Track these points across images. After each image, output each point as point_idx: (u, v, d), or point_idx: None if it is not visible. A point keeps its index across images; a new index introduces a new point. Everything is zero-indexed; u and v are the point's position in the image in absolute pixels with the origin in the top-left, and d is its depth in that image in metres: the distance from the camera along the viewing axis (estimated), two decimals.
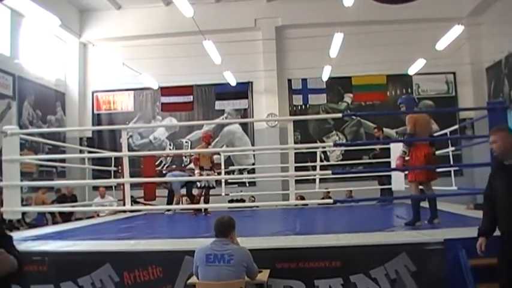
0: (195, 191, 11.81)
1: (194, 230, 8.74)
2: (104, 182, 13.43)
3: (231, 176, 16.03)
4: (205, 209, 11.25)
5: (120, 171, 11.88)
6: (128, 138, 16.89)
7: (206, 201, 11.37)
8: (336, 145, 15.20)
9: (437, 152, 10.01)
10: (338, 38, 14.13)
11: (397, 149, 8.10)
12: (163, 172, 17.19)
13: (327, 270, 5.59)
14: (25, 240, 6.90)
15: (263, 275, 5.14)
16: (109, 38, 17.69)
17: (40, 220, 12.86)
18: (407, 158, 7.40)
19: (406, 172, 7.95)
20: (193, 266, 4.88)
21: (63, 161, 13.94)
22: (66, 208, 12.20)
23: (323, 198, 13.74)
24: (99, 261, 5.82)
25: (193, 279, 5.00)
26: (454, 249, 5.49)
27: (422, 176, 7.35)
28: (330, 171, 9.10)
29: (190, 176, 12.95)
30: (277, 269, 5.51)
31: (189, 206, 11.72)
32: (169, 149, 17.88)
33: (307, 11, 16.89)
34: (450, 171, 11.08)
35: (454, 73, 17.29)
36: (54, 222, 12.83)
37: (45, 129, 15.11)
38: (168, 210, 11.92)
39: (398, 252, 5.57)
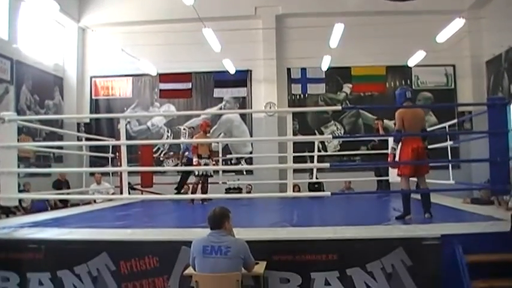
0: (192, 179, 11.82)
1: (191, 220, 8.74)
2: (102, 170, 13.37)
3: (230, 167, 16.00)
4: (202, 198, 11.23)
5: (117, 157, 11.85)
6: (126, 125, 16.86)
7: (204, 190, 11.37)
8: (334, 137, 15.16)
9: (435, 146, 10.07)
10: (338, 29, 14.05)
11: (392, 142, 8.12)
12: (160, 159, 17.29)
13: (323, 263, 5.61)
14: (21, 227, 6.92)
15: (260, 267, 5.15)
16: (108, 23, 17.53)
17: (39, 206, 12.78)
18: (397, 153, 7.40)
19: None
20: (190, 257, 4.90)
21: (60, 146, 13.91)
22: (63, 196, 12.22)
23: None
24: (96, 250, 5.84)
25: (189, 270, 5.02)
26: (451, 245, 5.50)
27: (409, 170, 7.35)
28: (328, 164, 9.09)
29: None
30: (273, 261, 5.53)
31: (189, 196, 11.64)
32: (167, 135, 17.81)
33: (307, 0, 16.81)
34: (448, 164, 11.10)
35: (453, 66, 17.21)
36: (54, 208, 12.80)
37: (43, 116, 15.01)
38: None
39: (395, 246, 5.59)
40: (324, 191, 13.21)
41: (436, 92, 17.08)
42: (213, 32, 14.32)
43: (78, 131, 17.11)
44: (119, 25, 17.43)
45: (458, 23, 13.41)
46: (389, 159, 7.58)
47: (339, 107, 14.10)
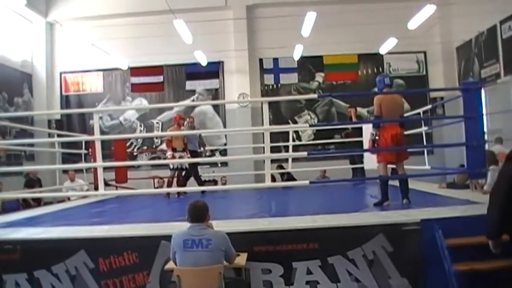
0: (167, 173, 11.73)
1: (168, 213, 8.66)
2: (76, 167, 13.18)
3: (206, 159, 15.87)
4: (178, 191, 11.17)
5: (90, 153, 11.70)
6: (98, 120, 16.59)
7: (179, 183, 11.30)
8: (311, 126, 15.14)
9: (409, 132, 10.12)
10: (311, 17, 14.00)
11: (368, 129, 8.12)
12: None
13: (304, 252, 5.60)
14: None
15: (241, 259, 5.12)
16: (77, 18, 17.24)
17: (12, 206, 12.53)
18: (376, 139, 7.41)
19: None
20: (171, 251, 4.83)
21: (32, 144, 13.65)
22: (37, 194, 12.01)
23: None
24: (73, 248, 5.74)
25: (170, 265, 4.95)
26: (431, 229, 5.53)
27: (390, 157, 7.39)
28: (305, 153, 9.04)
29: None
30: (254, 252, 5.51)
31: (165, 189, 11.56)
32: (140, 130, 17.62)
33: None
34: (423, 150, 11.18)
35: (424, 52, 17.31)
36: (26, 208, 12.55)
37: (12, 114, 14.77)
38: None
39: (375, 233, 5.60)
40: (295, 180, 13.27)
41: (407, 79, 17.15)
42: (184, 23, 14.15)
43: (49, 128, 16.82)
44: (88, 19, 17.16)
45: (429, 9, 13.44)
46: (368, 145, 7.58)
47: (314, 95, 14.12)
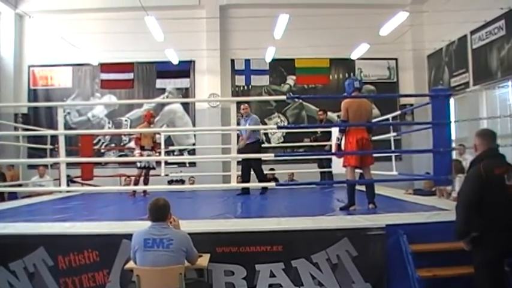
0: (134, 171, 11.56)
1: (132, 212, 8.52)
2: (39, 161, 12.92)
3: (174, 157, 15.73)
4: (144, 190, 11.03)
5: (56, 149, 11.49)
6: (66, 116, 16.31)
7: (146, 182, 11.17)
8: (279, 128, 15.07)
9: (378, 137, 10.16)
10: (283, 19, 13.95)
11: (336, 133, 8.12)
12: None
13: (268, 254, 5.55)
14: None
15: (203, 260, 5.04)
16: (47, 10, 16.87)
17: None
18: (342, 143, 7.42)
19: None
20: (131, 250, 4.72)
21: None
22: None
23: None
24: (32, 245, 5.60)
25: (130, 264, 4.85)
26: (395, 235, 5.54)
27: (354, 161, 7.38)
28: (272, 154, 8.99)
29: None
30: (217, 254, 5.45)
31: (131, 187, 11.43)
32: (108, 127, 17.38)
33: None
34: (391, 156, 11.22)
35: (396, 59, 17.44)
36: None
37: None
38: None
39: (340, 237, 5.58)
40: None
41: (378, 85, 17.22)
42: (156, 21, 13.96)
43: (16, 122, 16.47)
44: (59, 12, 16.84)
45: (401, 16, 13.51)
46: (334, 149, 7.59)
47: (283, 97, 14.09)
